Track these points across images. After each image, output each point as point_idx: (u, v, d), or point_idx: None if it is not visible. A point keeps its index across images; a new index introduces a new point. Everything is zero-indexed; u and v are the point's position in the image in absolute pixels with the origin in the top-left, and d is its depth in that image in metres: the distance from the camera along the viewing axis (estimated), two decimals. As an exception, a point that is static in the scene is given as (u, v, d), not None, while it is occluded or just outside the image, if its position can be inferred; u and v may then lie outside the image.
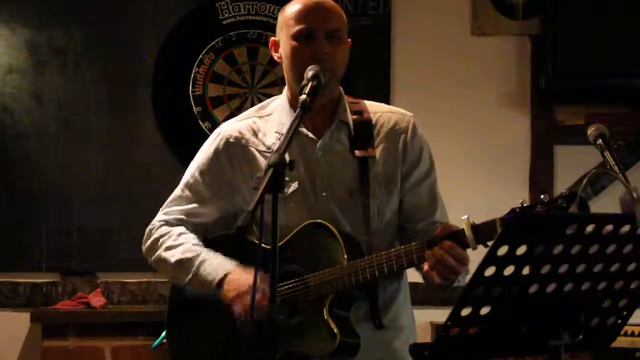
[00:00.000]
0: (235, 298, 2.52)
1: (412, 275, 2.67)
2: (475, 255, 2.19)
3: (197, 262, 2.60)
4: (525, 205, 2.33)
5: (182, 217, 2.70)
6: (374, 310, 2.57)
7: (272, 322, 2.06)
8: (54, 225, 4.59)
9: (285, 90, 2.69)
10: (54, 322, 4.44)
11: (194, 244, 2.65)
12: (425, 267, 2.45)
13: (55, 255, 4.60)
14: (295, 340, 2.52)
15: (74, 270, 4.62)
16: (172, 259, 2.63)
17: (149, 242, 2.71)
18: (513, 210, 2.33)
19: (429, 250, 2.41)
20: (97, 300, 4.52)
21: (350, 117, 2.64)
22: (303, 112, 2.32)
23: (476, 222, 2.39)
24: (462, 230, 2.39)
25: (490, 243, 2.19)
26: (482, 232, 2.37)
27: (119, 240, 4.55)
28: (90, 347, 4.41)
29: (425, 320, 4.43)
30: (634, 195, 2.04)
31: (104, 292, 4.60)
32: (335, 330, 2.47)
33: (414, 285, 2.73)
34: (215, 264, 2.59)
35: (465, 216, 2.39)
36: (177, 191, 2.74)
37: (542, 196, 2.32)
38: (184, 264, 2.61)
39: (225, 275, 2.55)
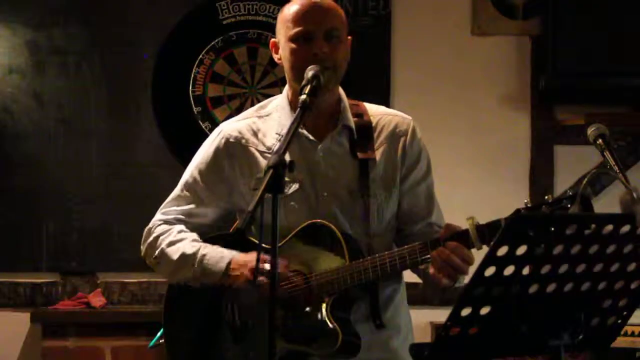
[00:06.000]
0: (243, 271, 2.52)
1: (412, 276, 2.67)
2: (479, 255, 2.19)
3: (200, 254, 2.59)
4: (529, 205, 2.33)
5: (181, 217, 2.70)
6: (375, 310, 2.57)
7: (272, 321, 2.06)
8: (54, 225, 4.59)
9: (286, 89, 2.69)
10: (54, 322, 4.44)
11: (194, 239, 2.64)
12: (431, 269, 2.45)
13: (55, 255, 4.59)
14: (296, 339, 2.52)
15: (74, 270, 4.62)
16: (175, 255, 2.62)
17: (149, 240, 2.69)
18: (518, 211, 2.33)
19: (433, 250, 2.41)
20: (97, 300, 4.52)
21: (352, 120, 2.64)
22: (303, 112, 2.33)
23: (480, 223, 2.39)
24: (467, 230, 2.39)
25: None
26: (487, 232, 2.37)
27: (119, 240, 4.55)
28: (90, 347, 4.41)
29: (425, 320, 4.43)
30: (634, 195, 2.04)
31: (104, 292, 4.59)
32: (338, 329, 2.47)
33: (414, 286, 2.73)
34: (219, 252, 2.59)
35: (470, 216, 2.39)
36: (176, 191, 2.73)
37: (546, 197, 2.32)
38: (188, 257, 2.60)
39: (230, 262, 2.55)
